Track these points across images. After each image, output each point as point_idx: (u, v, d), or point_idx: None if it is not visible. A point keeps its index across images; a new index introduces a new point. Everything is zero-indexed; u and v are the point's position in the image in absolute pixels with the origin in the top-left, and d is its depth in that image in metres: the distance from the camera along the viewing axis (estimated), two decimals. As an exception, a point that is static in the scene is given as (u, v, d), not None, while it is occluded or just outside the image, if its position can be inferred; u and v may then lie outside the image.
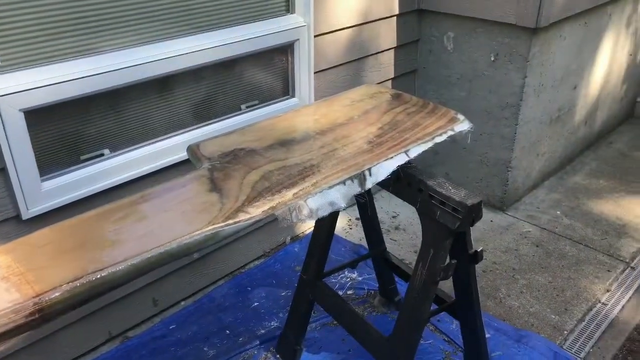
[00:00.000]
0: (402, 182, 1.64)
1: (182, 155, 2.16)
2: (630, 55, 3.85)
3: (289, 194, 1.35)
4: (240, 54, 2.29)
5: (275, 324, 2.28)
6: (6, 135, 1.69)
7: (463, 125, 1.72)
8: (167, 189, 1.39)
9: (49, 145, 1.87)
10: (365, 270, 2.54)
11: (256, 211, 1.29)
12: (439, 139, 1.65)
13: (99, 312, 2.11)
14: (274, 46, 2.40)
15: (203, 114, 2.30)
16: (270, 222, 2.53)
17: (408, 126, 1.70)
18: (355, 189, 1.45)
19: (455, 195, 1.50)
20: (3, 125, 1.67)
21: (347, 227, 2.96)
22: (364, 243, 2.72)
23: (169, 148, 2.15)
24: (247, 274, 2.59)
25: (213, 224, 1.22)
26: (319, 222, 1.99)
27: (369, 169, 1.48)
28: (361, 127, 1.70)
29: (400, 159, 1.54)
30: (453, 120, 1.74)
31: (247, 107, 2.46)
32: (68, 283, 1.04)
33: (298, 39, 2.47)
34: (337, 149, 1.57)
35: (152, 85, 2.07)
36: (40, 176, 1.83)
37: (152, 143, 2.14)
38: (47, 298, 1.01)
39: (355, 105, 1.88)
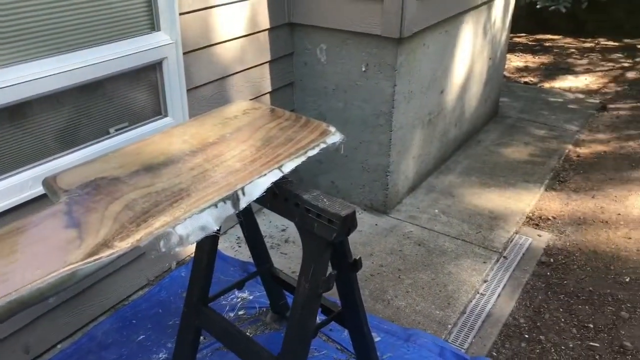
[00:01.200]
0: (279, 198, 1.63)
1: (39, 190, 1.99)
2: (490, 59, 4.17)
3: (155, 223, 1.28)
4: (104, 75, 2.16)
5: (164, 356, 2.17)
6: None
7: (335, 137, 1.75)
8: (17, 230, 1.26)
9: None
10: (255, 288, 2.50)
11: (120, 244, 1.21)
12: (311, 153, 1.66)
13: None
14: (140, 65, 2.30)
15: (65, 142, 2.14)
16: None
17: (281, 141, 1.70)
18: (228, 210, 1.41)
19: (329, 208, 1.51)
20: None
21: (236, 245, 2.91)
22: (253, 260, 2.69)
23: (23, 182, 1.97)
24: (130, 306, 2.45)
25: (70, 264, 1.13)
26: (199, 246, 1.93)
27: (242, 189, 1.45)
28: (233, 145, 1.67)
29: (274, 175, 1.53)
30: (325, 133, 1.76)
31: (116, 130, 2.33)
32: None
33: (166, 57, 2.39)
34: (207, 170, 1.53)
35: (2, 113, 1.89)
36: None
37: (3, 179, 1.95)
38: None
39: (228, 122, 1.85)
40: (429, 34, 3.11)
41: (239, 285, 2.07)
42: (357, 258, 1.64)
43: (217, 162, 1.57)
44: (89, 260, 1.15)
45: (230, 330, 1.86)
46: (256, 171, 1.52)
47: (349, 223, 1.51)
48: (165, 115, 2.50)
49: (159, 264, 2.66)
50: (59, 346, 2.23)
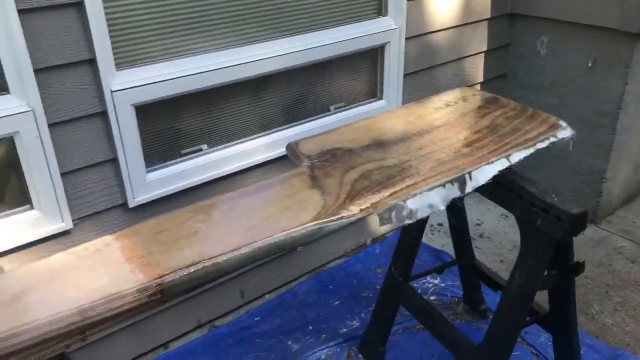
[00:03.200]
0: (501, 187, 1.61)
1: (273, 153, 2.23)
2: None
3: (388, 194, 1.36)
4: (331, 57, 2.32)
5: (357, 324, 2.29)
6: (119, 128, 1.80)
7: (565, 132, 1.67)
8: (268, 185, 1.43)
9: (154, 139, 1.98)
10: (448, 276, 2.50)
11: (357, 209, 1.31)
12: (540, 145, 1.60)
13: (190, 300, 2.21)
14: (365, 48, 2.42)
15: (293, 114, 2.35)
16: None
17: (508, 131, 1.67)
18: (454, 192, 1.44)
19: (559, 204, 1.46)
20: (117, 119, 1.78)
21: (429, 232, 2.93)
22: (446, 249, 2.69)
23: (261, 146, 2.22)
24: (328, 272, 2.62)
25: (317, 220, 1.25)
26: (407, 225, 1.98)
27: (469, 173, 1.46)
28: (458, 130, 1.69)
29: (501, 164, 1.51)
30: (555, 126, 1.69)
31: (335, 108, 2.49)
32: (187, 267, 1.10)
33: (389, 42, 2.48)
34: (435, 151, 1.56)
35: (247, 85, 2.14)
36: (146, 167, 1.94)
37: (246, 140, 2.21)
38: (168, 280, 1.07)
39: (450, 107, 1.86)
40: (675, 29, 2.76)
41: (439, 270, 2.10)
42: (581, 261, 1.55)
43: (444, 145, 1.59)
44: (332, 219, 1.26)
45: (429, 311, 1.89)
46: (484, 158, 1.51)
47: (580, 223, 1.44)
48: (380, 98, 2.60)
49: (356, 238, 2.79)
50: (266, 296, 2.48)
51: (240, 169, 2.16)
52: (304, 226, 1.23)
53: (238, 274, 2.35)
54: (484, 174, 1.48)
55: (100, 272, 1.10)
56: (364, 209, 1.31)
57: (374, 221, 2.68)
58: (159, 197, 1.97)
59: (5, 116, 1.58)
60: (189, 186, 2.03)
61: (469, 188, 1.46)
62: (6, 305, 1.03)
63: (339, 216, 1.28)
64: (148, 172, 1.95)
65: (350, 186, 1.40)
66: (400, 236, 1.99)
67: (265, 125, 2.27)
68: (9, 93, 1.60)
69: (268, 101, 2.26)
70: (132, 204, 1.92)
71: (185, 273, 1.09)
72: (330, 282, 2.55)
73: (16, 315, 1.00)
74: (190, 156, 2.08)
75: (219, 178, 2.11)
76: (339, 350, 2.17)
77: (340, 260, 2.72)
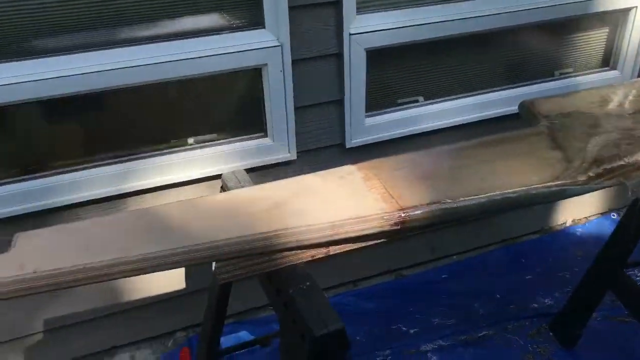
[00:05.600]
0: None
1: (490, 112, 2.16)
2: None
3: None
4: (561, 17, 2.14)
5: (550, 302, 2.19)
6: (350, 71, 1.89)
7: None
8: (504, 139, 1.40)
9: (376, 85, 2.03)
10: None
11: (606, 177, 1.22)
12: None
13: (382, 247, 2.28)
14: (600, 12, 2.19)
15: (515, 75, 2.25)
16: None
17: None
18: None
19: None
20: (350, 62, 1.87)
21: (641, 222, 2.64)
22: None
23: (482, 103, 2.16)
24: (521, 245, 2.53)
25: (560, 181, 1.20)
26: (632, 208, 1.81)
27: None
28: None
29: None
30: None
31: (560, 74, 2.32)
32: (428, 204, 1.13)
33: (635, 6, 2.22)
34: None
35: (470, 39, 2.08)
36: (365, 112, 2.01)
37: (462, 97, 2.17)
38: (410, 213, 1.12)
39: None
40: None
41: (662, 263, 1.90)
42: None
43: None
44: (577, 182, 1.20)
45: (647, 304, 1.73)
46: None
47: None
48: (613, 69, 2.36)
49: (555, 216, 2.63)
50: (454, 257, 2.48)
51: (453, 124, 2.14)
52: (545, 185, 1.19)
53: (432, 230, 2.37)
54: None
55: (345, 196, 1.19)
56: (612, 178, 1.23)
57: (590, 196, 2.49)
58: (373, 141, 2.04)
59: (259, 48, 1.74)
60: (402, 135, 2.07)
61: None
62: (266, 211, 1.16)
63: (584, 181, 1.21)
64: (367, 116, 2.02)
65: (596, 153, 1.31)
66: (625, 216, 1.83)
67: (482, 85, 2.20)
68: (264, 28, 1.77)
69: (491, 59, 2.18)
70: (348, 144, 2.02)
71: (427, 210, 1.13)
72: (523, 256, 2.45)
73: (275, 220, 1.12)
74: (405, 106, 2.11)
75: (432, 131, 2.12)
76: (527, 324, 2.10)
77: (534, 236, 2.59)
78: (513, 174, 1.24)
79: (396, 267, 2.40)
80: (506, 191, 1.17)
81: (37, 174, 1.72)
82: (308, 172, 1.30)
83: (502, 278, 2.32)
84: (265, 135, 1.92)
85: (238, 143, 1.91)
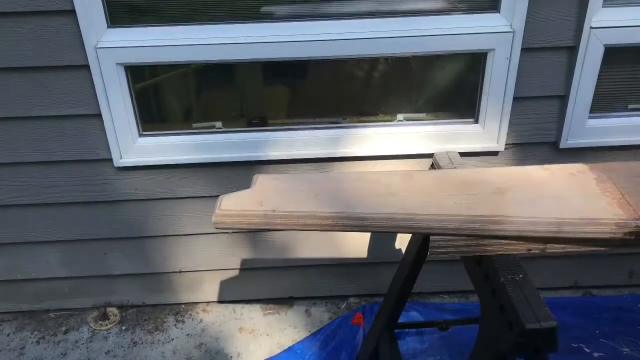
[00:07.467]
0: None
1: None
2: None
3: None
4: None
5: None
6: (582, 67, 1.76)
7: None
8: None
9: (607, 86, 1.86)
10: None
11: None
12: None
13: (569, 259, 2.13)
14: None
15: None
16: None
17: None
18: None
19: None
20: (584, 57, 1.74)
21: None
22: None
23: None
24: None
25: None
26: None
27: None
28: None
29: None
30: None
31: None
32: (674, 220, 1.03)
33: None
34: None
35: None
36: (589, 113, 1.86)
37: None
38: (651, 225, 1.03)
39: None
40: None
41: None
42: None
43: None
44: None
45: None
46: None
47: None
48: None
49: None
50: None
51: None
52: None
53: (631, 253, 2.15)
54: None
55: (575, 195, 1.13)
56: None
57: None
58: (591, 145, 1.90)
59: (489, 32, 1.71)
60: (627, 143, 1.89)
61: None
62: (488, 195, 1.15)
63: None
64: (590, 118, 1.88)
65: None
66: None
67: None
68: (498, 12, 1.72)
69: None
70: (562, 144, 1.90)
71: (672, 225, 1.02)
72: None
73: (497, 205, 1.11)
74: (637, 113, 1.91)
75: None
76: None
77: None
78: None
79: (585, 285, 2.23)
80: None
81: (261, 128, 1.91)
82: (513, 166, 1.25)
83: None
84: (476, 122, 1.89)
85: (446, 125, 1.91)
